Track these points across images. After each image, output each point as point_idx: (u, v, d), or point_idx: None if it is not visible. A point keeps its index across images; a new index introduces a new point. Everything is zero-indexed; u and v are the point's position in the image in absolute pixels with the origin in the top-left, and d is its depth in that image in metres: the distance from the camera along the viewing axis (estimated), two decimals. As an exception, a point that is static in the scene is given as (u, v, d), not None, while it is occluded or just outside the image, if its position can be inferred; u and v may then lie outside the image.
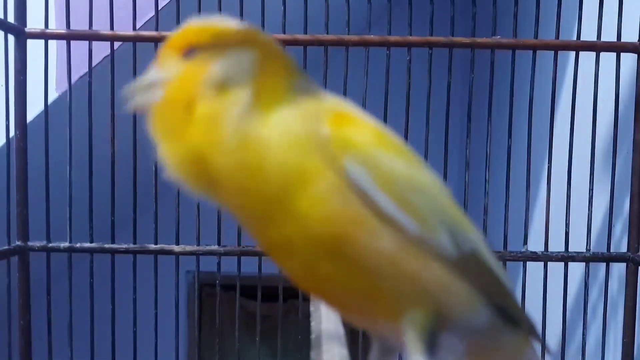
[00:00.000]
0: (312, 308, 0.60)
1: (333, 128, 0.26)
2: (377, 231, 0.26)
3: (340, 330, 0.54)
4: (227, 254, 0.91)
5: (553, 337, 0.98)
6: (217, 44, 0.30)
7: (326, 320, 0.57)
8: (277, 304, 0.96)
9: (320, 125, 0.26)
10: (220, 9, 0.87)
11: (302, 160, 0.26)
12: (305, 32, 0.89)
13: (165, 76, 0.31)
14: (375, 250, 0.26)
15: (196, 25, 0.31)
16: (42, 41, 0.87)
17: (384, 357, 0.33)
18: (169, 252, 0.90)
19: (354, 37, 0.88)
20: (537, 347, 0.35)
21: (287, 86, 0.29)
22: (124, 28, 0.88)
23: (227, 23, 0.31)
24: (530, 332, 0.33)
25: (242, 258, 0.92)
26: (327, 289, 0.29)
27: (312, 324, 0.57)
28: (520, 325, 0.32)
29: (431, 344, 0.27)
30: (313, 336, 0.54)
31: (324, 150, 0.26)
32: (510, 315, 0.31)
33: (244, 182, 0.27)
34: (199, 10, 0.88)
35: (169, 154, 0.30)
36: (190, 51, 0.30)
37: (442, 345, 0.29)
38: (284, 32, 0.88)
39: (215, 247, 0.91)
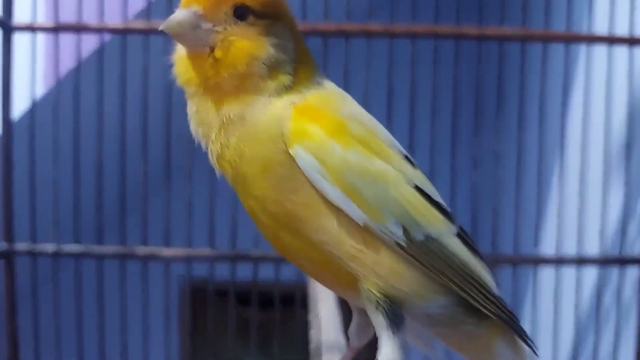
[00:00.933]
0: (311, 316, 0.58)
1: (294, 120, 0.30)
2: (323, 214, 0.29)
3: (341, 339, 0.52)
4: (220, 258, 0.88)
5: (565, 341, 0.96)
6: (268, 14, 0.32)
7: (326, 329, 0.54)
8: (273, 311, 0.93)
9: (286, 119, 0.30)
10: None
11: (267, 149, 0.30)
12: (303, 21, 0.86)
13: (215, 29, 0.31)
14: (322, 230, 0.30)
15: None
16: (29, 37, 0.85)
17: (363, 331, 0.36)
18: (159, 257, 0.87)
19: (354, 26, 0.84)
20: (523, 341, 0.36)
21: (313, 73, 0.33)
22: (113, 20, 0.85)
23: None
24: (509, 324, 0.33)
25: (237, 263, 0.89)
26: (293, 258, 0.32)
27: (311, 332, 0.55)
28: (489, 316, 0.32)
29: (395, 322, 0.31)
30: (312, 345, 0.52)
31: (283, 140, 0.30)
32: (476, 306, 0.31)
33: (233, 152, 0.31)
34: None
35: (193, 102, 0.33)
36: (242, 10, 0.31)
37: (409, 330, 0.32)
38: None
39: (207, 251, 0.88)
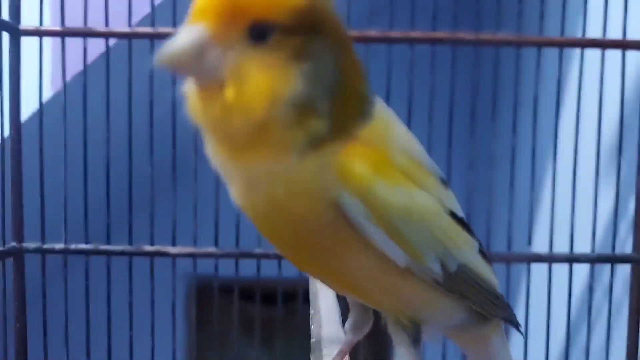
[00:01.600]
0: (312, 311, 0.59)
1: (342, 163, 0.25)
2: (363, 254, 0.27)
3: (341, 333, 0.53)
4: (224, 256, 0.90)
5: (557, 338, 0.97)
6: (298, 29, 0.22)
7: (326, 324, 0.56)
8: (276, 307, 0.95)
9: (332, 169, 0.25)
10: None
11: (305, 205, 0.25)
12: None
13: (232, 54, 0.22)
14: (357, 267, 0.27)
15: None
16: (37, 40, 0.86)
17: (359, 327, 0.36)
18: (165, 254, 0.89)
19: (354, 33, 0.86)
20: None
21: (360, 106, 0.25)
22: (119, 26, 0.86)
23: None
24: (511, 321, 0.35)
25: (241, 261, 0.91)
26: (308, 272, 0.31)
27: (312, 327, 0.56)
28: (491, 318, 0.34)
29: (416, 339, 0.30)
30: (313, 340, 0.53)
31: (333, 181, 0.25)
32: (489, 316, 0.33)
33: (258, 209, 0.27)
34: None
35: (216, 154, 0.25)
36: (262, 29, 0.22)
37: (424, 334, 0.32)
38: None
39: (212, 249, 0.90)
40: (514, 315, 0.35)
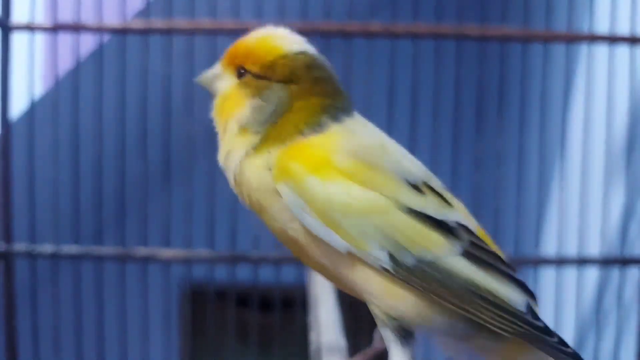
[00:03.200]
0: (311, 318, 0.57)
1: (278, 161, 0.33)
2: (314, 242, 0.32)
3: (341, 341, 0.52)
4: (219, 259, 0.88)
5: (567, 341, 0.96)
6: (263, 75, 0.35)
7: (326, 332, 0.54)
8: (274, 314, 0.93)
9: (276, 161, 0.33)
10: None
11: (261, 195, 0.34)
12: (304, 20, 0.85)
13: (223, 84, 0.37)
14: (317, 255, 0.33)
15: (256, 45, 0.35)
16: (27, 36, 0.84)
17: None
18: (158, 258, 0.87)
19: (356, 26, 0.84)
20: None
21: (297, 131, 0.34)
22: (112, 20, 0.85)
23: (282, 47, 0.35)
24: (531, 342, 0.32)
25: (237, 265, 0.89)
26: (316, 270, 0.36)
27: (312, 335, 0.55)
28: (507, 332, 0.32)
29: (404, 337, 0.32)
30: (312, 347, 0.52)
31: (271, 182, 0.33)
32: (504, 327, 0.32)
33: (244, 198, 0.36)
34: (192, 1, 0.85)
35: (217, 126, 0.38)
36: (241, 71, 0.36)
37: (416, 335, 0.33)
38: (280, 21, 0.84)
39: (207, 252, 0.88)
40: (544, 338, 0.32)
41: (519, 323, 0.32)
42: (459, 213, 0.34)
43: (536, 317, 0.33)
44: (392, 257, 0.31)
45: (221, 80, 0.37)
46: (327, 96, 0.35)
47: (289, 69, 0.35)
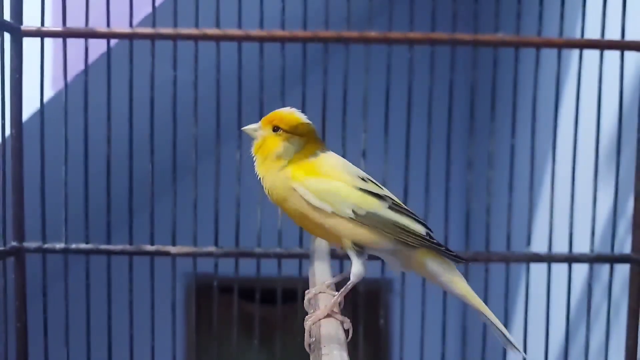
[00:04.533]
0: (311, 311, 0.60)
1: (292, 174, 0.58)
2: (313, 211, 0.57)
3: (341, 333, 0.53)
4: (224, 255, 0.90)
5: (556, 338, 0.98)
6: (289, 131, 0.60)
7: (326, 323, 0.56)
8: (275, 307, 0.95)
9: (291, 172, 0.59)
10: (218, 5, 0.86)
11: (284, 192, 0.59)
12: (305, 29, 0.88)
13: (263, 133, 0.61)
14: (317, 218, 0.57)
15: (286, 115, 0.61)
16: (38, 39, 0.86)
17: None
18: (165, 254, 0.89)
19: (354, 34, 0.86)
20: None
21: (306, 157, 0.60)
22: (120, 26, 0.87)
23: (301, 119, 0.61)
24: (431, 248, 0.58)
25: (240, 260, 0.91)
26: (311, 231, 0.61)
27: (312, 326, 0.57)
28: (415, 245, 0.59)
29: (361, 253, 0.57)
30: (312, 339, 0.54)
31: (289, 183, 0.58)
32: (412, 241, 0.58)
33: (275, 200, 0.60)
34: (197, 8, 0.87)
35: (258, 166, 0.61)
36: (276, 128, 0.60)
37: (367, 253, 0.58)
38: (283, 28, 0.87)
39: (212, 249, 0.90)
40: (437, 244, 0.58)
41: (422, 240, 0.58)
42: (386, 192, 0.60)
43: (432, 238, 0.58)
44: (354, 212, 0.57)
45: (261, 131, 0.61)
46: (318, 143, 0.62)
47: (304, 130, 0.61)
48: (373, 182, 0.60)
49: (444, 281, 0.59)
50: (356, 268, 0.57)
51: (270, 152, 0.60)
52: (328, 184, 0.58)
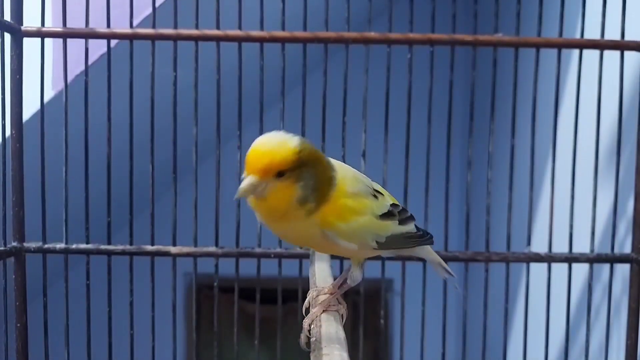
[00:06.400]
0: (311, 302, 0.60)
1: (321, 220, 0.53)
2: (333, 246, 0.55)
3: (341, 333, 0.54)
4: (224, 255, 0.90)
5: (556, 338, 0.98)
6: (294, 169, 0.50)
7: (326, 323, 0.56)
8: (276, 307, 0.95)
9: (319, 220, 0.53)
10: (218, 6, 0.87)
11: (308, 238, 0.56)
12: (305, 29, 0.88)
13: (267, 187, 0.50)
14: (333, 251, 0.59)
15: (279, 153, 0.50)
16: (39, 40, 0.86)
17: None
18: (166, 254, 0.89)
19: (354, 35, 0.87)
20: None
21: (329, 186, 0.54)
22: (120, 26, 0.87)
23: (294, 145, 0.51)
24: (427, 242, 0.63)
25: (240, 260, 0.91)
26: (319, 251, 0.63)
27: (312, 326, 0.57)
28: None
29: (362, 263, 0.59)
30: (313, 339, 0.54)
31: (318, 227, 0.54)
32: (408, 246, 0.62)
33: (285, 237, 0.60)
34: (197, 8, 0.87)
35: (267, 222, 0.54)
36: (280, 173, 0.50)
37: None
38: (283, 29, 0.87)
39: (212, 249, 0.90)
40: (426, 238, 0.62)
41: (419, 239, 0.61)
42: (387, 198, 0.59)
43: (419, 230, 0.62)
44: (377, 242, 0.57)
45: (263, 185, 0.50)
46: (322, 156, 0.54)
47: (306, 156, 0.51)
48: (378, 191, 0.59)
49: (421, 255, 0.67)
50: (356, 274, 0.59)
51: (290, 203, 0.51)
52: (357, 224, 0.55)
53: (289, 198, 0.50)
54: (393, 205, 0.60)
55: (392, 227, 0.58)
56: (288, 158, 0.50)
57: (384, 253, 0.61)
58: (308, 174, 0.51)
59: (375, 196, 0.58)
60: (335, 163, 0.56)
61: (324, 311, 0.57)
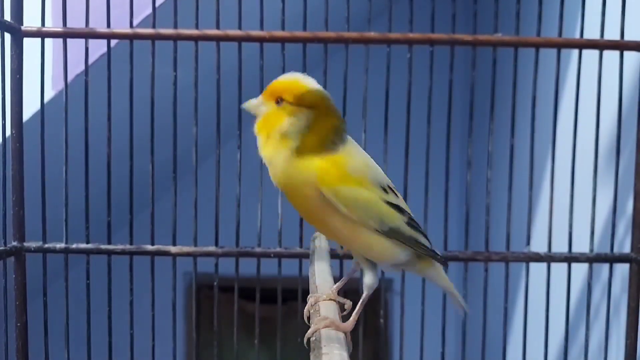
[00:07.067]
0: (311, 310, 0.60)
1: (319, 173, 0.52)
2: (337, 217, 0.53)
3: (340, 332, 0.54)
4: (224, 255, 0.90)
5: (556, 337, 0.98)
6: (294, 103, 0.52)
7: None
8: (276, 306, 0.95)
9: (315, 171, 0.52)
10: (218, 6, 0.87)
11: (303, 188, 0.52)
12: (305, 29, 0.88)
13: (265, 109, 0.54)
14: (336, 223, 0.53)
15: (289, 83, 0.53)
16: (39, 40, 0.86)
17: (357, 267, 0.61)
18: (166, 253, 0.89)
19: (354, 34, 0.87)
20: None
21: (322, 142, 0.53)
22: (120, 26, 0.87)
23: (307, 86, 0.53)
24: (434, 257, 0.60)
25: (240, 259, 0.91)
26: (318, 228, 0.57)
27: (312, 326, 0.57)
28: (426, 257, 0.60)
29: (373, 264, 0.56)
30: (312, 338, 0.54)
31: (315, 184, 0.52)
32: (419, 254, 0.59)
33: (283, 188, 0.54)
34: (197, 8, 0.87)
35: (260, 143, 0.54)
36: (280, 100, 0.52)
37: (384, 268, 0.60)
38: (283, 29, 0.87)
39: (212, 248, 0.90)
40: (437, 254, 0.60)
41: (428, 251, 0.59)
42: (401, 200, 0.58)
43: (433, 248, 0.59)
44: (379, 224, 0.54)
45: (263, 106, 0.53)
46: (336, 119, 0.54)
47: (312, 99, 0.53)
48: (392, 190, 0.57)
49: (432, 280, 0.63)
50: (369, 279, 0.55)
51: (273, 130, 0.52)
52: (360, 194, 0.52)
53: (274, 124, 0.52)
54: (409, 215, 0.58)
55: (399, 220, 0.55)
56: (292, 90, 0.52)
57: (396, 258, 0.57)
58: (304, 116, 0.52)
59: (385, 190, 0.56)
60: (355, 148, 0.56)
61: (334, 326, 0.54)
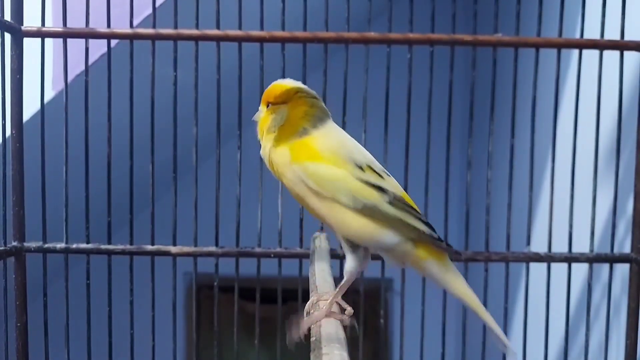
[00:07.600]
0: (311, 310, 0.60)
1: (292, 153, 0.57)
2: (310, 195, 0.56)
3: (341, 332, 0.54)
4: (224, 255, 0.91)
5: (556, 338, 0.98)
6: (277, 102, 0.60)
7: (326, 323, 0.56)
8: (276, 306, 0.95)
9: (289, 152, 0.57)
10: (218, 6, 0.87)
11: (283, 169, 0.58)
12: (305, 29, 0.88)
13: (261, 115, 0.62)
14: (312, 202, 0.56)
15: (272, 88, 0.61)
16: (39, 40, 0.86)
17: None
18: (166, 253, 0.90)
19: (354, 35, 0.87)
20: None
21: (295, 129, 0.59)
22: (121, 26, 0.87)
23: (285, 86, 0.61)
24: (431, 242, 0.57)
25: (241, 259, 0.91)
26: (312, 212, 0.59)
27: (312, 326, 0.57)
28: (424, 245, 0.57)
29: (354, 247, 0.56)
30: (313, 338, 0.54)
31: (289, 164, 0.57)
32: (412, 238, 0.56)
33: (274, 172, 0.60)
34: (197, 8, 0.87)
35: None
36: (269, 103, 0.61)
37: (367, 252, 0.57)
38: (283, 29, 0.87)
39: (212, 249, 0.90)
40: (438, 239, 0.57)
41: (421, 234, 0.56)
42: (388, 183, 0.57)
43: (434, 232, 0.57)
44: (352, 201, 0.55)
45: (260, 113, 0.62)
46: (307, 106, 0.60)
47: (286, 95, 0.60)
48: (374, 170, 0.57)
49: (442, 282, 0.57)
50: (349, 264, 0.55)
51: (262, 128, 0.60)
52: (328, 170, 0.55)
53: (263, 124, 0.61)
54: (394, 195, 0.56)
55: (375, 198, 0.55)
56: (274, 93, 0.61)
57: (380, 239, 0.55)
58: (281, 111, 0.60)
59: (362, 169, 0.57)
60: (330, 131, 0.60)
61: (327, 316, 0.54)
